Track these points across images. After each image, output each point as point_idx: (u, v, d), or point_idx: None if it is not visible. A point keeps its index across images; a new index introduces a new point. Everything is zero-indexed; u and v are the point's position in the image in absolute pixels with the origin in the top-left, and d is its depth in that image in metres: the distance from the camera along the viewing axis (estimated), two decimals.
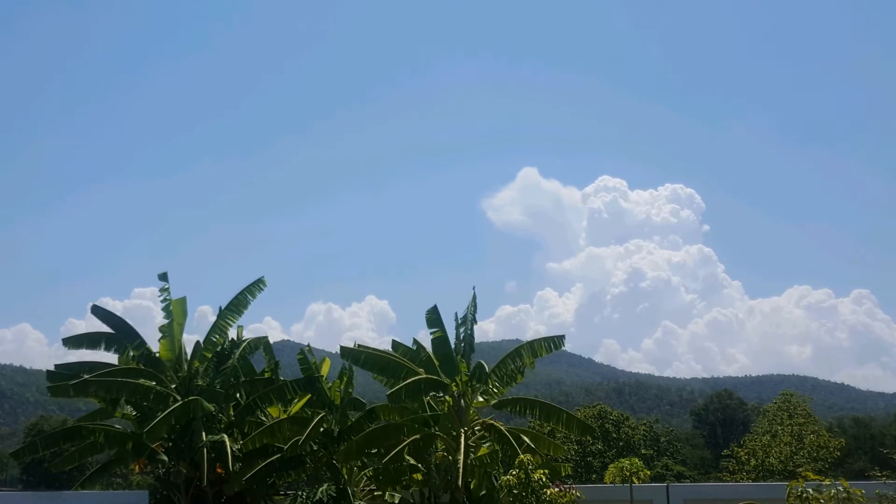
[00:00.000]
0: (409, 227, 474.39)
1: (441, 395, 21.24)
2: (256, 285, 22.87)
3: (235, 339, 23.07)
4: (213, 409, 21.04)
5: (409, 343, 22.78)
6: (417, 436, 20.14)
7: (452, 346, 21.34)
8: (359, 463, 21.42)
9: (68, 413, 79.73)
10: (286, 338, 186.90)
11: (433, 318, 21.42)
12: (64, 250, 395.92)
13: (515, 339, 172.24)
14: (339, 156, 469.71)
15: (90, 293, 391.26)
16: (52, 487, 51.36)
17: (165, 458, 20.37)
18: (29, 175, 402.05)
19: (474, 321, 21.72)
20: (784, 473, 35.88)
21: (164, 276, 21.95)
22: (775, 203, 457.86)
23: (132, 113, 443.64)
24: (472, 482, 19.62)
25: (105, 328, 22.09)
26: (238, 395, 21.85)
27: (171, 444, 20.76)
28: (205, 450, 19.82)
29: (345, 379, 22.27)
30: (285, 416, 22.33)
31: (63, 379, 20.90)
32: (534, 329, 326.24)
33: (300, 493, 20.44)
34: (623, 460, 18.62)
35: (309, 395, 21.98)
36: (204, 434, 20.25)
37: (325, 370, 23.09)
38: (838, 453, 40.22)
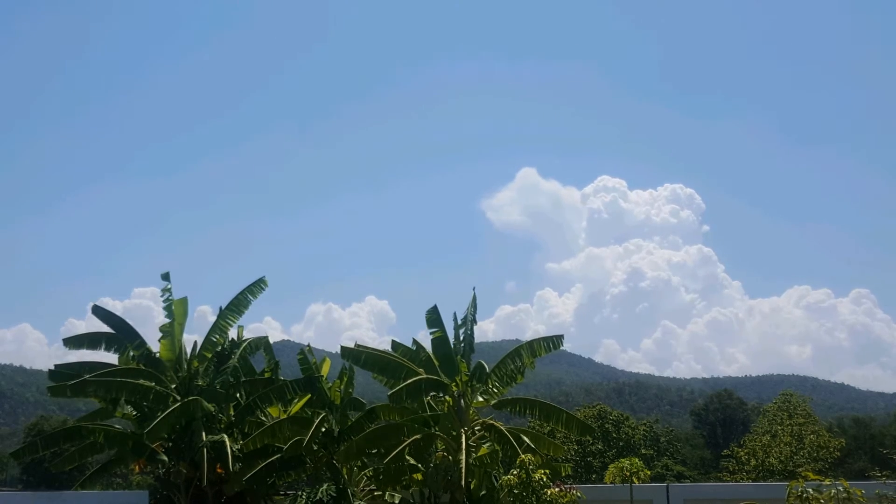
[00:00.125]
0: (409, 227, 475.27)
1: (441, 395, 21.25)
2: (257, 285, 22.86)
3: (236, 339, 23.08)
4: (213, 409, 21.04)
5: (409, 343, 22.81)
6: (417, 436, 20.15)
7: (452, 346, 21.34)
8: (359, 463, 21.42)
9: (68, 413, 79.74)
10: (286, 338, 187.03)
11: (433, 318, 21.41)
12: (64, 250, 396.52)
13: (515, 339, 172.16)
14: (339, 156, 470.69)
15: (90, 293, 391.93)
16: (52, 487, 51.36)
17: (165, 458, 20.37)
18: (29, 175, 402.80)
19: (474, 321, 21.73)
20: (784, 473, 35.90)
21: (166, 276, 21.97)
22: (775, 203, 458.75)
23: (132, 113, 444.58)
24: (473, 482, 19.61)
25: (105, 328, 22.09)
26: (238, 395, 21.84)
27: (171, 444, 20.76)
28: (205, 450, 19.82)
29: (345, 379, 22.27)
30: (285, 416, 22.33)
31: (63, 379, 20.90)
32: (533, 329, 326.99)
33: (300, 493, 20.43)
34: (623, 460, 18.60)
35: (309, 395, 21.98)
36: (204, 434, 20.25)
37: (325, 370, 23.09)
38: (838, 453, 40.26)
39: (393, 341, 23.08)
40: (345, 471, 21.14)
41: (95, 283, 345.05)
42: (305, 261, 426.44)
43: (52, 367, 21.92)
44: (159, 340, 21.90)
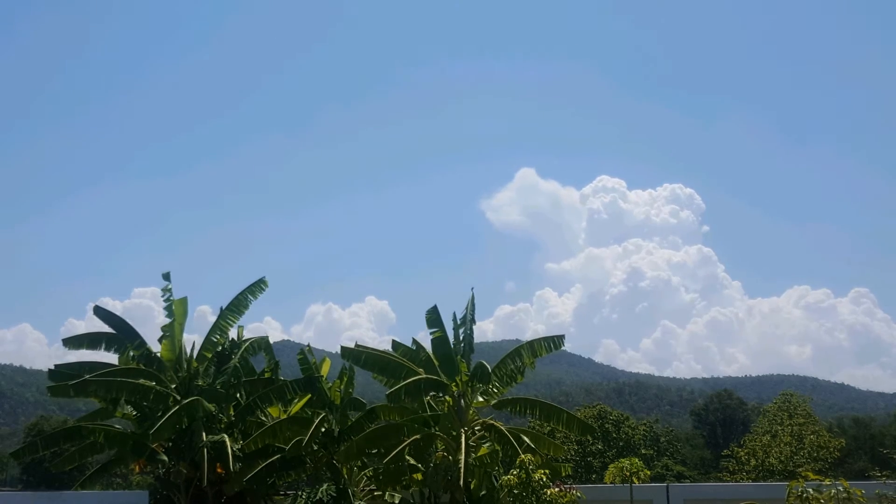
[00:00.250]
0: (409, 227, 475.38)
1: (441, 395, 21.25)
2: (258, 286, 22.86)
3: (236, 339, 23.07)
4: (213, 409, 21.04)
5: (409, 343, 22.81)
6: (417, 436, 20.15)
7: (452, 346, 21.34)
8: (359, 463, 21.42)
9: (68, 413, 79.75)
10: (286, 338, 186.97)
11: (433, 318, 21.42)
12: (64, 250, 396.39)
13: (515, 339, 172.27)
14: (339, 156, 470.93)
15: (90, 293, 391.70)
16: (52, 487, 51.35)
17: (165, 458, 20.36)
18: (29, 175, 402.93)
19: (473, 321, 21.73)
20: (784, 473, 35.89)
21: (167, 276, 21.98)
22: (775, 203, 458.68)
23: (132, 113, 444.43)
24: (473, 482, 19.62)
25: (105, 328, 22.09)
26: (238, 395, 21.84)
27: (171, 444, 20.74)
28: (205, 450, 19.82)
29: (345, 379, 22.27)
30: (285, 416, 22.34)
31: (63, 379, 20.89)
32: (533, 329, 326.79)
33: (300, 493, 20.44)
34: (623, 460, 18.60)
35: (309, 396, 21.99)
36: (204, 434, 20.25)
37: (325, 370, 23.09)
38: (838, 453, 40.25)
39: (393, 341, 23.10)
40: (345, 471, 21.14)
41: (95, 283, 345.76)
42: (305, 261, 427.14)
43: (52, 367, 21.91)
44: (159, 340, 21.91)
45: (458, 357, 21.13)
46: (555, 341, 21.74)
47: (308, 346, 23.12)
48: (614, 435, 49.72)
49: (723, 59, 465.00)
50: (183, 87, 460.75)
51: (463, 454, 18.96)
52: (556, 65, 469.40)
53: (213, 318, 22.90)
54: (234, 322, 22.58)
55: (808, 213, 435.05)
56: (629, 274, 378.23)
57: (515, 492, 16.92)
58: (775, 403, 45.58)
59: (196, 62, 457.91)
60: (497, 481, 19.43)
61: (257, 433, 21.05)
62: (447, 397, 21.09)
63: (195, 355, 22.11)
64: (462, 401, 20.90)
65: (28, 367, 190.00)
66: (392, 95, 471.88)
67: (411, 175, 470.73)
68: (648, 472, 18.78)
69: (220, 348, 22.38)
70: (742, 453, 40.37)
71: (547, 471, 17.55)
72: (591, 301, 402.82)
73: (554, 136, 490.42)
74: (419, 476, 20.49)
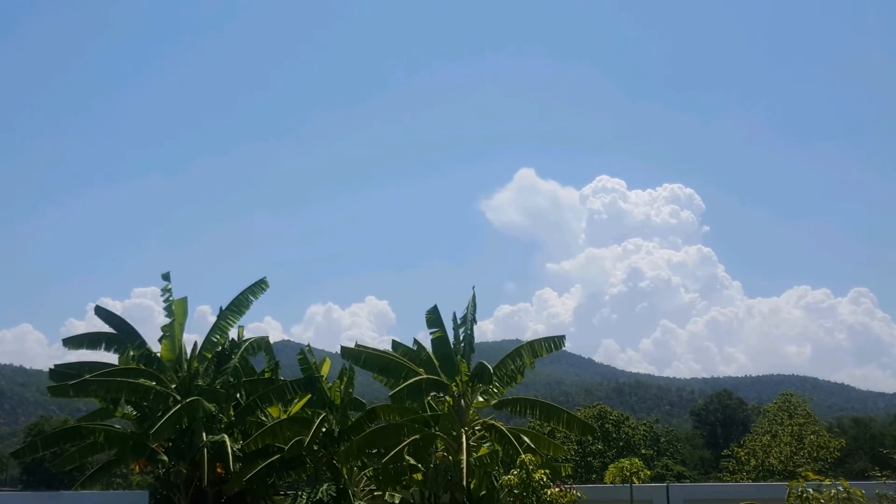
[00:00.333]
0: (409, 227, 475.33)
1: (441, 395, 21.25)
2: (259, 286, 22.86)
3: (236, 339, 23.07)
4: (213, 409, 21.04)
5: (410, 343, 22.81)
6: (417, 436, 20.15)
7: (452, 346, 21.35)
8: (359, 463, 21.42)
9: (68, 413, 79.69)
10: (286, 338, 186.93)
11: (433, 318, 21.43)
12: (64, 250, 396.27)
13: (515, 339, 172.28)
14: (338, 156, 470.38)
15: (90, 293, 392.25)
16: (52, 487, 51.29)
17: (165, 458, 20.37)
18: (29, 175, 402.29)
19: (474, 321, 21.75)
20: (784, 473, 35.89)
21: (167, 276, 21.99)
22: (775, 203, 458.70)
23: (132, 113, 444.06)
24: (473, 482, 19.62)
25: (105, 328, 22.09)
26: (238, 395, 21.85)
27: (171, 444, 20.75)
28: (205, 450, 19.81)
29: (345, 379, 22.27)
30: (285, 416, 22.34)
31: (63, 379, 20.90)
32: (533, 329, 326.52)
33: (300, 493, 20.44)
34: (623, 460, 18.62)
35: (309, 396, 21.99)
36: (204, 434, 20.24)
37: (325, 370, 23.10)
38: (838, 453, 40.23)
39: (393, 341, 23.11)
40: (345, 471, 21.15)
41: (95, 283, 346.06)
42: (305, 261, 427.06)
43: (53, 367, 21.91)
44: (160, 340, 21.92)
45: (459, 357, 21.14)
46: (555, 341, 21.75)
47: (308, 346, 23.13)
48: (614, 435, 49.73)
49: (722, 59, 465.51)
50: (183, 86, 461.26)
51: (463, 454, 18.97)
52: (556, 65, 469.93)
53: (213, 318, 22.93)
54: (234, 322, 22.58)
55: (807, 212, 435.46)
56: (629, 274, 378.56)
57: (516, 492, 16.94)
58: (775, 403, 45.54)
59: (196, 62, 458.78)
60: (497, 481, 19.44)
61: (257, 433, 21.05)
62: (447, 397, 21.09)
63: (195, 355, 22.11)
64: (462, 401, 20.90)
65: (28, 367, 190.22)
66: (392, 95, 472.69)
67: (411, 175, 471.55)
68: (648, 472, 18.80)
69: (221, 348, 22.37)
70: (742, 453, 40.37)
71: (547, 471, 17.56)
72: (590, 301, 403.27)
73: (553, 136, 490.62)
74: (419, 476, 20.50)
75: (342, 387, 22.19)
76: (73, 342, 22.03)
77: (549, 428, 27.75)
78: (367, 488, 21.78)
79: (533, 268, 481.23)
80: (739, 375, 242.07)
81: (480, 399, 21.37)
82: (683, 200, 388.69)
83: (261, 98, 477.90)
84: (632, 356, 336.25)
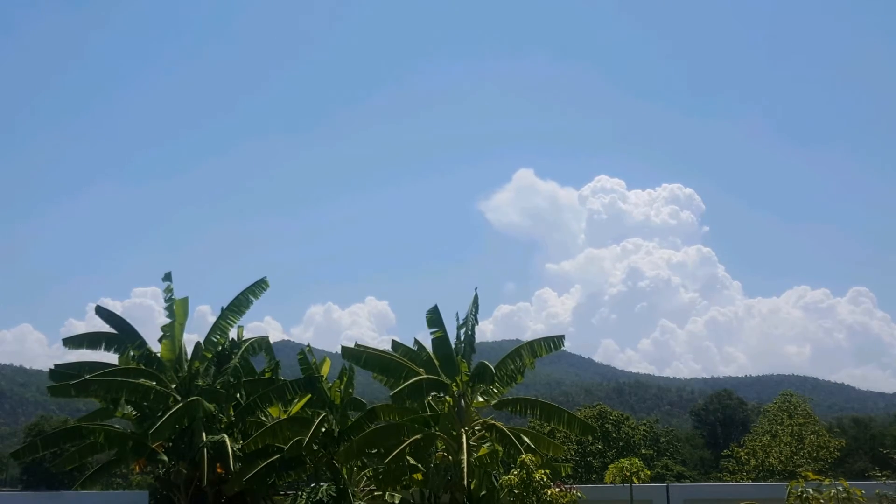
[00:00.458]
0: (409, 227, 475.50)
1: (441, 395, 21.25)
2: (259, 286, 22.86)
3: (236, 339, 23.07)
4: (213, 409, 21.04)
5: (411, 343, 22.81)
6: (418, 436, 20.15)
7: (453, 346, 21.35)
8: (359, 463, 21.42)
9: (68, 413, 79.69)
10: (286, 338, 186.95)
11: (433, 318, 21.43)
12: (64, 250, 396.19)
13: (514, 339, 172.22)
14: (338, 156, 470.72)
15: (90, 293, 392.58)
16: (52, 487, 51.29)
17: (165, 458, 20.36)
18: (29, 175, 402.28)
19: (475, 322, 21.74)
20: (784, 473, 35.91)
21: (168, 276, 21.97)
22: (774, 203, 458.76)
23: (132, 113, 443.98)
24: (473, 482, 19.62)
25: (105, 328, 22.10)
26: (238, 395, 21.85)
27: (171, 444, 20.74)
28: (205, 450, 19.81)
29: (345, 379, 22.27)
30: (285, 416, 22.34)
31: (63, 379, 20.91)
32: (532, 329, 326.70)
33: (300, 493, 20.44)
34: (623, 460, 18.60)
35: (309, 396, 21.99)
36: (204, 434, 20.24)
37: (325, 370, 23.09)
38: (838, 453, 40.25)
39: (393, 341, 23.11)
40: (345, 471, 21.15)
41: (95, 283, 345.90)
42: (305, 261, 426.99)
43: (53, 367, 21.92)
44: (160, 340, 21.92)
45: (459, 357, 21.13)
46: (555, 341, 21.75)
47: (308, 346, 23.13)
48: (614, 435, 49.73)
49: (722, 59, 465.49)
50: (183, 86, 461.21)
51: (464, 454, 18.96)
52: (555, 65, 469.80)
53: (213, 318, 22.94)
54: (234, 322, 22.58)
55: (807, 212, 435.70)
56: (628, 274, 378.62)
57: (516, 492, 16.94)
58: (775, 403, 45.55)
59: (196, 62, 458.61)
60: (497, 481, 19.44)
61: (257, 433, 21.05)
62: (448, 397, 21.09)
63: (196, 355, 22.11)
64: (462, 401, 20.90)
65: (28, 367, 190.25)
66: (391, 96, 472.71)
67: (411, 175, 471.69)
68: (648, 472, 18.78)
69: (221, 348, 22.37)
70: (742, 453, 40.39)
71: (547, 471, 17.56)
72: (590, 301, 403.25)
73: (553, 136, 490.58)
74: (419, 476, 20.50)
75: (342, 387, 22.19)
76: (73, 342, 22.03)
77: (549, 428, 27.76)
78: (367, 488, 21.78)
79: (532, 268, 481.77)
80: (739, 375, 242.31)
81: (481, 399, 21.37)
82: (683, 201, 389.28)
83: (261, 98, 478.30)
84: (631, 356, 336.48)
